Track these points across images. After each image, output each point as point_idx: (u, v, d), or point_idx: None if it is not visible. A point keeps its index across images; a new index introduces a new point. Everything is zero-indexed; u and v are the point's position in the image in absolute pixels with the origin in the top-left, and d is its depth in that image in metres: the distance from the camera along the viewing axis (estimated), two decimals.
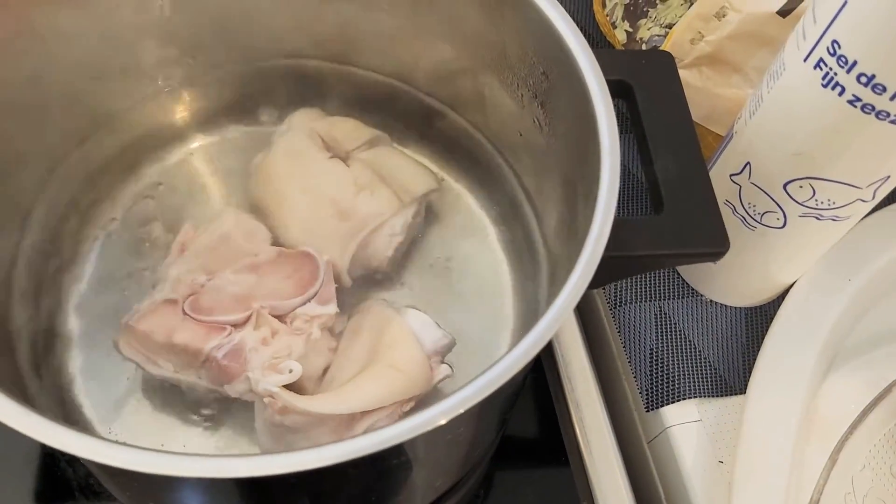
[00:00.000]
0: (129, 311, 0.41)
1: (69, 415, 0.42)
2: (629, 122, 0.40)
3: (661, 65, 0.40)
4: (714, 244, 0.35)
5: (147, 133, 0.50)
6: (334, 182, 0.46)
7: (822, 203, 0.41)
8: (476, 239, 0.49)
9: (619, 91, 0.39)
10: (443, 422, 0.28)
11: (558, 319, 0.30)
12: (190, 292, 0.41)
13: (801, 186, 0.40)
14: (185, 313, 0.40)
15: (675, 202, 0.36)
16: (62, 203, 0.46)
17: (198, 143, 0.51)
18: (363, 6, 0.46)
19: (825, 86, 0.36)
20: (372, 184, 0.46)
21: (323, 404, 0.37)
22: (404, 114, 0.51)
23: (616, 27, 0.54)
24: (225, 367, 0.38)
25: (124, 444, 0.27)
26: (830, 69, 0.35)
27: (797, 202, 0.41)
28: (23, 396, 0.39)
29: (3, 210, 0.42)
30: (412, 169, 0.48)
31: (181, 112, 0.51)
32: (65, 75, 0.43)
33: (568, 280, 0.31)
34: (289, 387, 0.38)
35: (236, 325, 0.40)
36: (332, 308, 0.42)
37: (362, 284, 0.46)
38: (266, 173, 0.47)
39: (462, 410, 0.28)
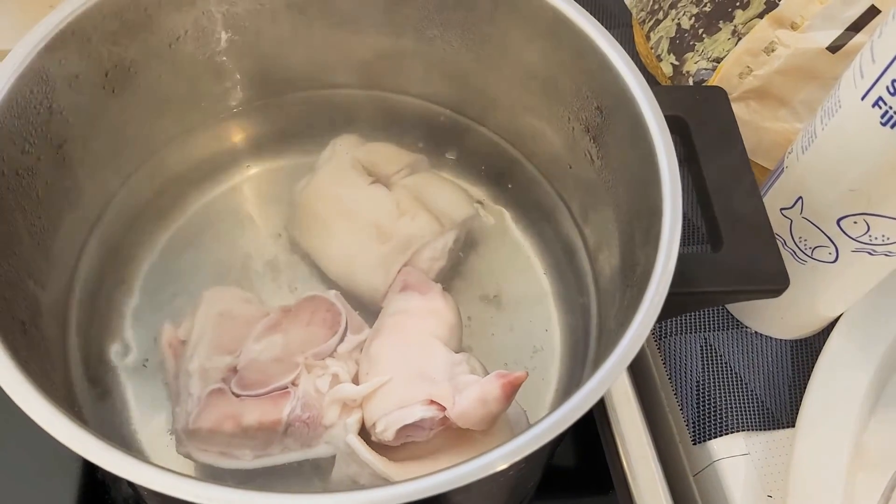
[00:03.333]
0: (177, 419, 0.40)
1: (118, 430, 0.42)
2: (684, 158, 0.40)
3: (716, 101, 0.40)
4: (774, 281, 0.35)
5: (198, 162, 0.51)
6: (376, 207, 0.46)
7: (875, 238, 0.41)
8: (524, 269, 0.49)
9: (675, 127, 0.40)
10: (502, 466, 0.28)
11: (627, 357, 0.30)
12: (223, 377, 0.40)
13: (854, 222, 0.40)
14: (238, 396, 0.39)
15: (734, 238, 0.36)
16: (117, 230, 0.47)
17: (247, 170, 0.52)
18: (417, 39, 0.47)
19: (884, 124, 0.36)
20: (413, 208, 0.46)
21: (404, 474, 0.37)
22: (452, 141, 0.52)
23: (661, 60, 0.54)
24: (309, 420, 0.38)
25: (194, 478, 0.27)
26: (890, 108, 0.35)
27: (850, 237, 0.41)
28: (79, 415, 0.39)
29: (65, 238, 0.42)
30: (452, 194, 0.49)
31: (232, 141, 0.52)
32: (126, 106, 0.44)
33: (633, 319, 0.31)
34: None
35: (293, 383, 0.40)
36: (368, 332, 0.42)
37: None
38: (309, 199, 0.48)
39: (526, 454, 0.29)
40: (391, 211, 0.46)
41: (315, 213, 0.47)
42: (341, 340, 0.42)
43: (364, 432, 0.39)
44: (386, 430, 0.38)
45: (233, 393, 0.39)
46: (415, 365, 0.40)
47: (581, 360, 0.45)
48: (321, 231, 0.47)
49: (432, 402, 0.38)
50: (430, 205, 0.47)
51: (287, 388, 0.39)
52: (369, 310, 0.45)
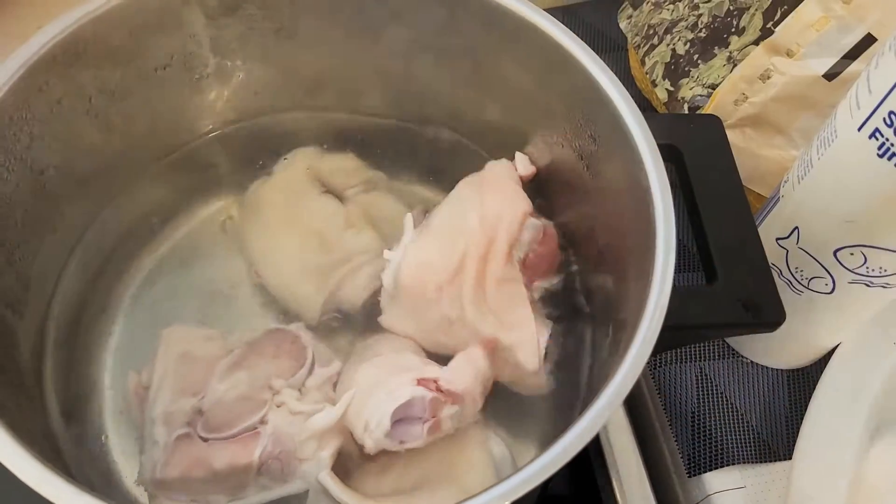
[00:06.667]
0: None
1: (99, 467, 0.41)
2: (678, 187, 0.39)
3: (711, 129, 0.40)
4: (771, 315, 0.35)
5: (183, 187, 0.49)
6: (323, 216, 0.45)
7: (873, 270, 0.40)
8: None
9: (669, 156, 0.39)
10: None
11: (617, 398, 0.29)
12: (188, 420, 0.38)
13: (851, 254, 0.40)
14: (206, 439, 0.37)
15: (729, 271, 0.36)
16: (98, 258, 0.46)
17: (233, 195, 0.51)
18: (407, 63, 0.46)
19: (881, 156, 0.35)
20: (360, 223, 0.45)
21: None
22: (444, 163, 0.51)
23: (656, 85, 0.54)
24: (282, 455, 0.37)
25: None
26: (887, 139, 0.34)
27: (847, 269, 0.41)
28: (55, 452, 0.38)
29: (44, 266, 0.41)
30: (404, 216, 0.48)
31: (218, 165, 0.51)
32: (109, 132, 0.43)
33: (626, 356, 0.30)
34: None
35: (261, 421, 0.38)
36: (337, 365, 0.41)
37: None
38: (257, 203, 0.47)
39: (515, 498, 0.28)
40: (338, 223, 0.45)
41: (260, 215, 0.46)
42: (310, 373, 0.41)
43: (354, 448, 0.38)
44: (380, 422, 0.36)
45: (199, 437, 0.37)
46: (391, 367, 0.39)
47: (574, 388, 0.44)
48: (263, 234, 0.46)
49: (420, 381, 0.37)
50: (381, 223, 0.46)
51: (256, 427, 0.38)
52: (307, 323, 0.44)
